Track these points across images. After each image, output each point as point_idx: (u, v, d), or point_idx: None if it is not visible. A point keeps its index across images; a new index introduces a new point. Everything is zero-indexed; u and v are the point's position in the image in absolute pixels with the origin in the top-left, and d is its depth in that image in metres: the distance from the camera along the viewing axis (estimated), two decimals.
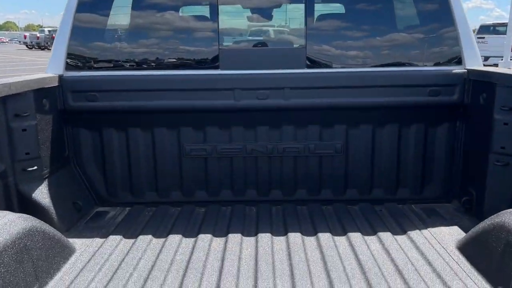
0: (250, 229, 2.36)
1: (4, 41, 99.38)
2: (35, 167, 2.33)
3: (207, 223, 2.44)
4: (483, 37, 17.91)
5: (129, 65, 2.69)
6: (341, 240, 2.22)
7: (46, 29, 51.88)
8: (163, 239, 2.24)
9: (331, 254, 2.06)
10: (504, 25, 23.44)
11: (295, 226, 2.38)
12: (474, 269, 1.91)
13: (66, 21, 2.64)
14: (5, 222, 1.71)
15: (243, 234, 2.30)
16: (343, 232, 2.30)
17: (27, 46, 53.43)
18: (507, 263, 1.70)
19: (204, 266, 1.97)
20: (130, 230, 2.36)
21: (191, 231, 2.33)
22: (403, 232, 2.30)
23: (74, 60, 2.66)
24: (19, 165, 2.28)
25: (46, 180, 2.40)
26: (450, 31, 2.62)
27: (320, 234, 2.27)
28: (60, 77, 2.56)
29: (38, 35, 47.79)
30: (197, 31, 2.77)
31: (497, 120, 2.28)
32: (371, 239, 2.22)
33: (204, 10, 2.83)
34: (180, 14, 2.87)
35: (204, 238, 2.24)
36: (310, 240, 2.22)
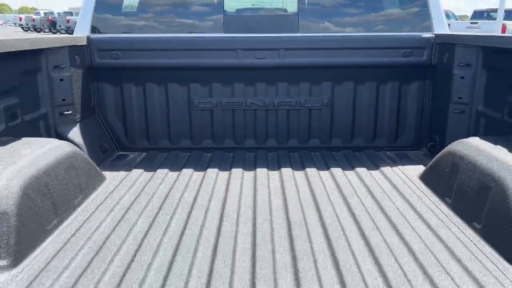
0: (249, 168, 2.82)
1: None
2: (70, 112, 2.78)
3: (213, 164, 2.90)
4: (476, 23, 18.31)
5: (147, 29, 3.12)
6: (325, 173, 2.69)
7: (41, 11, 51.40)
8: (177, 173, 2.70)
9: (316, 182, 2.53)
10: (496, 10, 23.88)
11: (287, 165, 2.84)
12: (429, 188, 2.39)
13: None
14: (56, 145, 2.17)
15: (244, 170, 2.76)
16: (327, 168, 2.77)
17: (22, 28, 52.91)
18: (452, 179, 2.18)
19: (212, 191, 2.42)
20: (149, 167, 2.82)
21: (200, 169, 2.79)
22: (377, 168, 2.77)
23: (99, 24, 3.09)
24: (57, 109, 2.73)
25: (78, 124, 2.85)
26: (421, 5, 3.07)
27: (308, 170, 2.73)
28: (88, 38, 2.99)
29: (33, 17, 47.41)
30: (204, 0, 3.20)
31: (455, 75, 2.75)
32: (350, 173, 2.69)
33: None
34: None
35: (211, 173, 2.70)
36: (300, 174, 2.69)
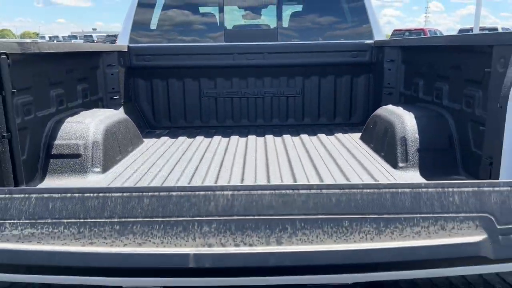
0: (243, 137, 3.99)
1: None
2: (117, 97, 3.98)
3: (217, 136, 4.07)
4: None
5: (169, 39, 4.35)
6: (296, 138, 3.86)
7: (46, 36, 52.99)
8: (192, 139, 3.87)
9: (289, 142, 3.70)
10: (482, 29, 25.48)
11: (270, 135, 4.02)
12: (363, 142, 3.56)
13: (130, 14, 4.31)
14: (117, 112, 3.37)
15: (239, 138, 3.94)
16: (298, 135, 3.95)
17: None
18: (373, 131, 3.35)
19: (216, 150, 3.58)
20: (172, 137, 4.00)
21: (207, 138, 3.96)
22: (332, 134, 3.95)
23: (135, 37, 4.32)
24: (109, 95, 3.93)
25: (122, 106, 4.05)
26: (366, 20, 4.32)
27: (284, 136, 3.91)
28: (128, 46, 4.21)
29: (39, 41, 48.93)
30: (210, 20, 4.44)
31: (385, 68, 3.96)
32: (313, 138, 3.87)
33: (215, 9, 4.53)
34: (200, 11, 4.57)
35: (215, 141, 3.86)
36: (278, 139, 3.86)
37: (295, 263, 1.32)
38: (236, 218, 1.35)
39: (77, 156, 2.76)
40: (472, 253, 1.31)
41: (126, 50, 4.20)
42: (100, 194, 1.38)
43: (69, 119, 2.93)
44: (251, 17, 5.06)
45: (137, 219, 1.37)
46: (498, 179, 1.93)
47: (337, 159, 3.04)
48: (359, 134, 3.88)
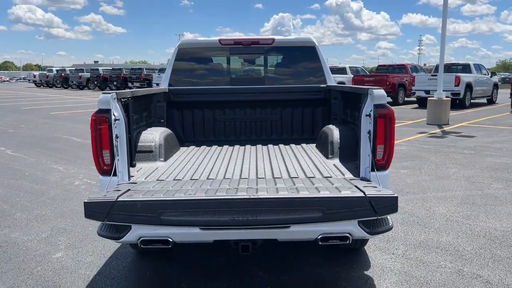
0: (242, 146, 6.22)
1: (5, 80, 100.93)
2: (162, 120, 6.26)
3: (226, 145, 6.31)
4: (436, 75, 22.36)
5: (194, 84, 6.68)
6: (275, 146, 6.09)
7: (54, 69, 55.64)
8: (210, 147, 6.11)
9: (271, 148, 5.94)
10: (455, 65, 28.06)
11: (259, 145, 6.27)
12: (316, 149, 5.81)
13: (170, 65, 6.66)
14: (167, 128, 5.67)
15: (240, 145, 6.17)
16: (277, 144, 6.19)
17: (35, 84, 56.80)
18: (320, 141, 5.62)
19: (225, 152, 5.81)
20: (197, 145, 6.23)
21: (219, 146, 6.19)
22: (299, 144, 6.18)
23: (172, 82, 6.65)
24: (157, 119, 6.21)
25: (165, 127, 6.31)
26: (320, 71, 6.68)
27: (269, 145, 6.15)
28: (169, 88, 6.52)
29: (47, 74, 51.58)
30: (221, 69, 6.79)
31: (332, 103, 6.28)
32: (287, 146, 6.09)
33: (223, 60, 6.90)
34: (213, 62, 6.93)
35: (225, 147, 6.09)
36: (264, 147, 6.10)
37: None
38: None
39: (151, 151, 5.01)
40: None
41: (167, 91, 6.50)
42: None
43: (144, 131, 5.20)
44: (248, 65, 7.44)
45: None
46: (360, 159, 4.16)
47: (298, 156, 5.24)
48: (314, 145, 6.15)
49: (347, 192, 3.31)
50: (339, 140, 5.03)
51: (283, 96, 6.57)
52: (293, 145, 6.09)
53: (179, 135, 6.65)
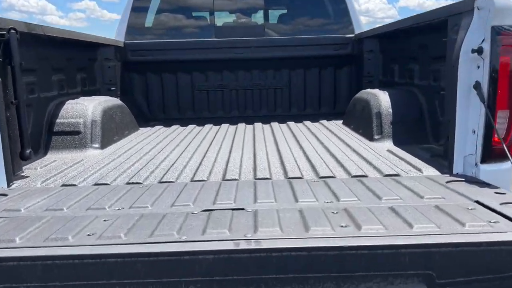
0: (233, 125, 4.23)
1: None
2: (114, 88, 4.22)
3: (209, 124, 4.31)
4: None
5: (162, 37, 4.62)
6: (283, 126, 4.10)
7: None
8: (185, 127, 4.10)
9: (277, 129, 3.94)
10: None
11: (259, 122, 4.26)
12: (345, 125, 3.81)
13: (125, 16, 4.59)
14: (114, 98, 3.62)
15: (230, 124, 4.18)
16: (285, 122, 4.19)
17: None
18: (353, 113, 3.61)
19: (205, 135, 3.82)
20: (167, 125, 4.23)
21: (200, 126, 4.19)
22: (317, 120, 4.19)
23: (131, 33, 4.59)
24: (106, 86, 4.18)
25: (119, 97, 4.29)
26: (346, 16, 4.62)
27: (272, 123, 4.15)
28: (124, 42, 4.47)
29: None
30: (203, 22, 4.72)
31: (365, 58, 4.24)
32: (300, 125, 4.11)
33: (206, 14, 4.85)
34: (193, 14, 4.87)
35: (207, 127, 4.10)
36: (266, 127, 4.11)
37: None
38: None
39: (77, 133, 2.99)
40: None
41: (122, 45, 4.45)
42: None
43: (70, 101, 3.17)
44: (241, 19, 5.37)
45: None
46: (454, 139, 2.16)
47: (323, 140, 3.19)
48: (341, 121, 4.13)
49: (486, 226, 1.41)
50: (391, 111, 3.02)
51: (292, 52, 4.53)
52: (308, 123, 4.07)
53: (141, 110, 4.61)
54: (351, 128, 3.57)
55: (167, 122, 4.42)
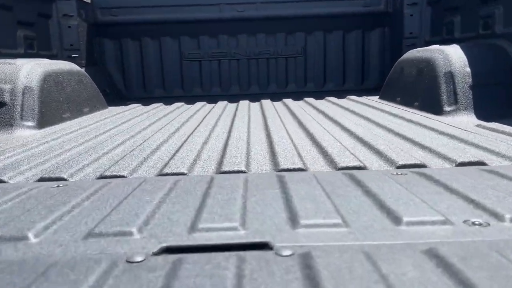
0: (233, 105, 3.22)
1: None
2: (76, 55, 3.21)
3: (202, 102, 3.30)
4: None
5: None
6: (299, 102, 3.10)
7: None
8: (166, 108, 3.10)
9: (293, 106, 2.94)
10: None
11: (267, 102, 3.25)
12: (385, 100, 2.81)
13: None
14: (70, 63, 2.60)
15: (229, 102, 3.17)
16: (307, 101, 3.18)
17: None
18: (400, 80, 2.61)
19: (193, 114, 2.82)
20: (143, 106, 3.23)
21: (189, 104, 3.19)
22: (343, 97, 3.19)
23: None
24: (66, 52, 3.16)
25: (84, 68, 3.28)
26: None
27: (284, 99, 3.14)
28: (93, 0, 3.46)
29: None
30: None
31: (406, 14, 3.22)
32: (324, 101, 3.11)
33: None
34: None
35: (198, 106, 3.09)
36: (278, 107, 3.10)
37: None
38: None
39: (1, 104, 1.99)
40: None
41: (89, 1, 3.44)
42: None
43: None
44: None
45: None
46: None
47: (370, 117, 2.16)
48: (374, 97, 3.12)
49: None
50: (468, 70, 2.02)
51: (309, 9, 3.52)
52: (334, 99, 3.07)
53: (114, 85, 3.60)
54: (398, 101, 2.57)
55: (148, 101, 3.41)
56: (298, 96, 3.42)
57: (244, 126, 1.97)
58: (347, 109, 2.48)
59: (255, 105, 2.89)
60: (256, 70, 3.66)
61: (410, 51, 2.66)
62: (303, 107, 2.65)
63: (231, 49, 3.61)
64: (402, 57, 2.69)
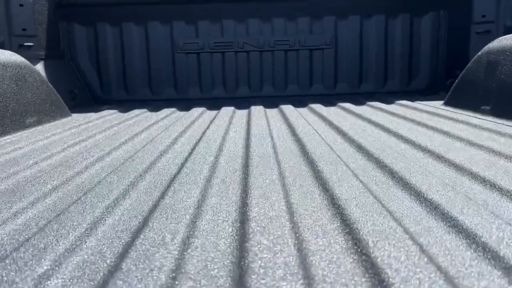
0: (243, 112, 2.38)
1: None
2: (31, 44, 2.38)
3: (200, 105, 2.47)
4: None
5: None
6: (332, 108, 2.27)
7: None
8: (157, 112, 2.28)
9: (322, 111, 2.11)
10: None
11: (287, 111, 2.42)
12: (459, 109, 1.98)
13: None
14: (5, 53, 1.76)
15: (236, 109, 2.33)
16: (333, 105, 2.35)
17: None
18: (490, 81, 1.77)
19: (196, 118, 2.00)
20: (123, 109, 2.40)
21: (182, 111, 2.36)
22: (389, 103, 2.36)
23: None
24: (16, 40, 2.33)
25: (42, 61, 2.45)
26: None
27: (310, 104, 2.31)
28: None
29: None
30: None
31: None
32: (363, 107, 2.27)
33: None
34: None
35: (194, 113, 2.26)
36: (300, 118, 2.27)
37: None
38: None
39: None
40: None
41: None
42: None
43: None
44: None
45: None
46: None
47: (470, 138, 1.39)
48: (433, 103, 2.29)
49: None
50: None
51: None
52: (378, 105, 2.24)
53: (88, 85, 2.78)
54: (485, 111, 1.73)
55: (131, 105, 2.59)
56: (326, 99, 2.58)
57: (269, 157, 1.14)
58: (413, 120, 1.65)
59: (273, 113, 2.06)
60: (271, 66, 2.82)
61: (501, 38, 1.83)
62: (344, 117, 1.82)
63: (238, 39, 2.77)
64: (489, 47, 1.85)
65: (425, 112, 1.93)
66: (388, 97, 2.58)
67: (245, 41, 2.77)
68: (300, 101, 2.57)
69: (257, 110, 2.14)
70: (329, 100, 2.59)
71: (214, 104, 2.57)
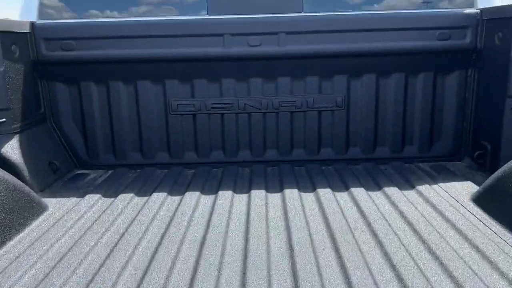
0: (243, 187, 2.13)
1: None
2: (4, 119, 2.11)
3: (196, 182, 2.21)
4: None
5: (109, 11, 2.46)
6: (342, 195, 1.99)
7: None
8: (146, 198, 2.02)
9: (331, 207, 1.84)
10: None
11: (292, 183, 2.15)
12: (491, 218, 1.69)
13: None
14: None
15: (234, 192, 2.07)
16: (345, 188, 2.08)
17: None
18: None
19: (189, 221, 1.75)
20: (110, 190, 2.14)
21: (177, 190, 2.11)
22: (411, 187, 2.07)
23: (48, 9, 2.43)
24: None
25: (18, 135, 2.17)
26: None
27: (319, 190, 2.04)
28: (32, 24, 2.32)
29: None
30: None
31: None
32: (376, 194, 2.00)
33: None
34: None
35: (192, 196, 2.02)
36: (308, 196, 2.00)
37: None
38: None
39: None
40: None
41: (28, 30, 2.31)
42: None
43: None
44: None
45: None
46: None
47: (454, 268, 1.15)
48: (459, 186, 2.03)
49: None
50: None
51: (353, 43, 2.36)
52: (391, 191, 1.97)
53: (73, 148, 2.53)
54: None
55: (118, 176, 2.33)
56: (336, 169, 2.31)
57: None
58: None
59: (275, 213, 1.81)
60: (275, 129, 2.53)
61: None
62: (346, 214, 1.57)
63: (239, 99, 2.48)
64: None
65: (439, 213, 1.65)
66: (404, 171, 2.30)
67: (246, 102, 2.47)
68: (306, 171, 2.31)
69: (258, 207, 1.87)
70: (339, 166, 2.33)
71: (210, 174, 2.31)
